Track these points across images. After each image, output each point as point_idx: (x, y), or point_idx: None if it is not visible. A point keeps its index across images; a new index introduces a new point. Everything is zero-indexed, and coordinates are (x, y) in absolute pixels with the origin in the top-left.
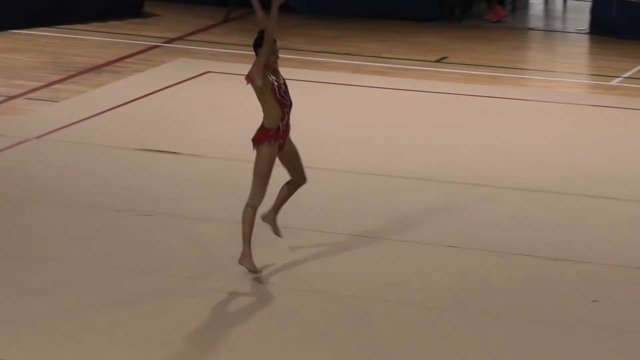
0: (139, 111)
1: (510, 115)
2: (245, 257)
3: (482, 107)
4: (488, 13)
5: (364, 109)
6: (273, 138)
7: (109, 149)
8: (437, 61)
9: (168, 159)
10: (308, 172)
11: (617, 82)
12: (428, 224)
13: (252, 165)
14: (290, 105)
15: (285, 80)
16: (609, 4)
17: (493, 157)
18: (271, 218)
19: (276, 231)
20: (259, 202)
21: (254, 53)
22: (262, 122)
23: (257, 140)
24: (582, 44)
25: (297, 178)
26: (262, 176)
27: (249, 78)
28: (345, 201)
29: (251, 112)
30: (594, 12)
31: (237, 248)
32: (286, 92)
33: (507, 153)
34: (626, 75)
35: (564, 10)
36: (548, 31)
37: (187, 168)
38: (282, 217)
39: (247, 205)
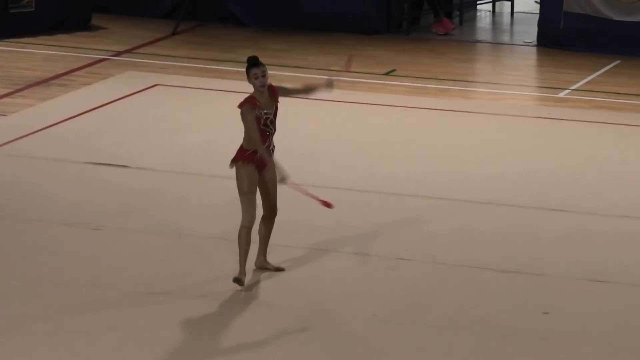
0: (87, 124)
1: (458, 127)
2: (240, 276)
3: (431, 119)
4: (436, 26)
5: (312, 122)
6: (247, 158)
7: (57, 162)
8: (386, 74)
9: (116, 172)
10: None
11: (565, 94)
12: (377, 237)
13: (200, 177)
14: (273, 132)
15: (277, 105)
16: (556, 16)
17: (442, 170)
18: (262, 261)
19: (276, 269)
20: (250, 221)
21: (201, 66)
22: (242, 143)
23: (234, 159)
24: (530, 56)
25: (267, 208)
26: (244, 194)
27: (241, 109)
28: (294, 214)
29: (199, 125)
30: (542, 25)
31: (187, 261)
32: (272, 121)
33: (455, 165)
34: (574, 87)
35: (512, 23)
36: (496, 44)
37: (135, 181)
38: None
39: (241, 226)
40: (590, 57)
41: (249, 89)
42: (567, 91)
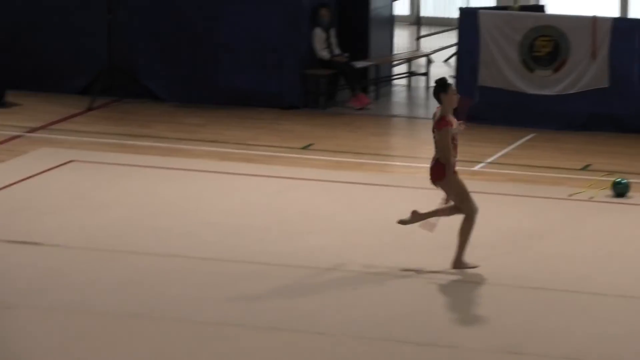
0: (1, 202)
1: (376, 201)
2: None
3: (349, 193)
4: (352, 101)
5: (230, 197)
6: (453, 171)
7: None
8: (303, 148)
9: (29, 250)
10: (175, 261)
11: (480, 168)
12: (293, 311)
13: (117, 255)
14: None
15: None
16: (471, 90)
17: (361, 243)
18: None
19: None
20: (470, 213)
21: (117, 141)
22: (438, 159)
23: (439, 177)
24: None
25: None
26: (464, 198)
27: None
28: (212, 288)
29: (114, 201)
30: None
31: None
32: (456, 134)
33: (374, 238)
34: (489, 160)
35: (427, 97)
36: (411, 118)
37: (49, 259)
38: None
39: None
40: (505, 131)
41: (167, 163)
42: (482, 164)
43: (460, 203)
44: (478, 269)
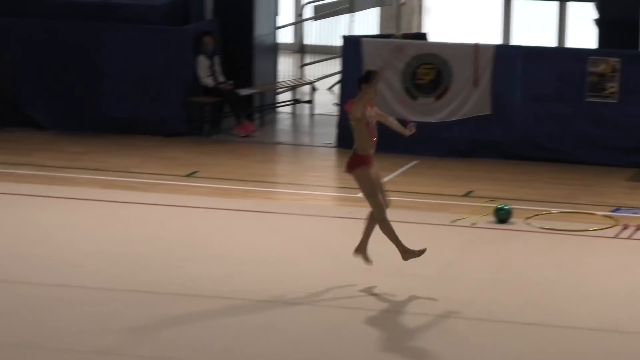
0: None
1: (261, 228)
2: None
3: (234, 220)
4: (237, 128)
5: (113, 225)
6: (366, 162)
7: None
8: (188, 176)
9: None
10: (55, 290)
11: None
12: (179, 339)
13: None
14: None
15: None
16: None
17: (245, 271)
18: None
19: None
20: (376, 211)
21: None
22: (355, 150)
23: (353, 166)
24: (329, 157)
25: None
26: (371, 196)
27: (350, 110)
28: (92, 318)
29: None
30: (341, 127)
31: None
32: (374, 125)
33: (259, 266)
34: None
35: (311, 125)
36: (296, 145)
37: None
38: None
39: (384, 219)
40: (389, 158)
41: (48, 191)
42: None
43: (367, 198)
44: (355, 292)
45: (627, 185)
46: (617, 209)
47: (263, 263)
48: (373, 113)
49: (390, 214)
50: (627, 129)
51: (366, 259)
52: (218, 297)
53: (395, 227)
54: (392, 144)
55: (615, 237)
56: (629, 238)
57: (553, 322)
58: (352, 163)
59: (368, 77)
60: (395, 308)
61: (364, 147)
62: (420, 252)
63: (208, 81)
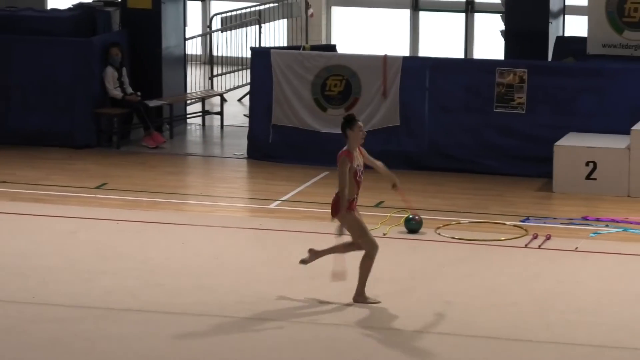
0: None
1: (172, 240)
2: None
3: (144, 232)
4: (146, 139)
5: (22, 238)
6: (352, 206)
7: None
8: (97, 187)
9: None
10: None
11: (276, 205)
12: (92, 353)
13: None
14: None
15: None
16: (265, 129)
17: (157, 283)
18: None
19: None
20: (373, 250)
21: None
22: (338, 193)
23: (338, 211)
24: (240, 168)
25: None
26: (362, 236)
27: (340, 161)
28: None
29: None
30: (252, 138)
31: None
32: (362, 172)
33: (171, 278)
34: (284, 198)
35: (222, 136)
36: (207, 156)
37: None
38: None
39: (371, 256)
40: (299, 169)
41: None
42: (277, 202)
43: (359, 239)
44: (266, 303)
45: (537, 195)
46: (527, 219)
47: (174, 275)
48: (361, 159)
49: (302, 225)
50: (535, 139)
51: (370, 301)
52: (130, 310)
53: (309, 238)
54: (302, 155)
55: (526, 246)
56: (539, 247)
57: (465, 332)
58: (336, 208)
59: (351, 122)
60: (302, 318)
61: (349, 192)
62: (373, 302)
63: (116, 93)
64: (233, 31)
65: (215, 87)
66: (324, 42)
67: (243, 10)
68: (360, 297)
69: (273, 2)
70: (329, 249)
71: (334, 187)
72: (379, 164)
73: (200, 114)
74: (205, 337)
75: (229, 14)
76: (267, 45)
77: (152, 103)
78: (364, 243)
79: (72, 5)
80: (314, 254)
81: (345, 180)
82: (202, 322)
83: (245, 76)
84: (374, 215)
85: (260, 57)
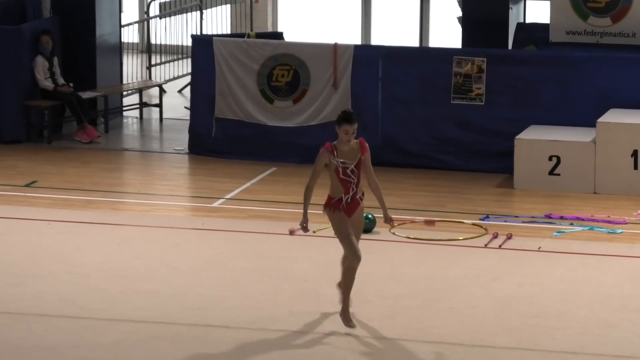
0: None
1: (108, 241)
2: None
3: (78, 233)
4: (79, 134)
5: None
6: (333, 206)
7: None
8: (27, 185)
9: None
10: None
11: (220, 204)
12: None
13: None
14: (356, 181)
15: (363, 158)
16: (208, 122)
17: (93, 287)
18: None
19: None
20: (352, 259)
21: None
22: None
23: (325, 206)
24: (181, 164)
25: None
26: (340, 238)
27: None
28: None
29: None
30: (193, 132)
31: None
32: (353, 170)
33: (107, 282)
34: (229, 196)
35: (161, 130)
36: (145, 152)
37: None
38: None
39: (349, 267)
40: (245, 165)
41: None
42: (221, 200)
43: (341, 242)
44: (220, 315)
45: (497, 192)
46: (487, 217)
47: (111, 279)
48: (357, 157)
49: (248, 225)
50: (495, 133)
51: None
52: (64, 316)
53: (254, 238)
54: (247, 150)
55: (485, 246)
56: (499, 247)
57: (420, 338)
58: (325, 203)
59: (339, 121)
60: (248, 324)
61: (333, 190)
62: (351, 326)
63: (47, 83)
64: (172, 17)
65: (153, 78)
66: (270, 29)
67: None
68: (344, 315)
69: None
70: (345, 291)
71: (282, 184)
72: (377, 193)
73: (138, 106)
74: (146, 345)
75: None
76: (209, 32)
77: (86, 95)
78: (345, 250)
79: None
80: (343, 309)
81: (313, 174)
82: (142, 329)
83: (185, 66)
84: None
85: (202, 45)
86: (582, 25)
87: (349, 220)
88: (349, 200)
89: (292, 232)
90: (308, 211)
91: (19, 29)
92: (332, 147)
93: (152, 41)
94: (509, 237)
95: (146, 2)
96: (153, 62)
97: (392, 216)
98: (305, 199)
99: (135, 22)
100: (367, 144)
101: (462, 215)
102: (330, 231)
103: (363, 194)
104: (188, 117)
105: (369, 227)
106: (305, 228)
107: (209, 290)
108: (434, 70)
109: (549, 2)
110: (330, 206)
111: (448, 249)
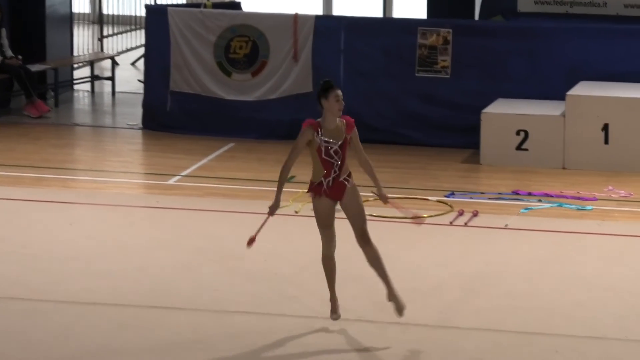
0: None
1: (58, 219)
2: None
3: (27, 212)
4: (28, 108)
5: None
6: (315, 191)
7: None
8: None
9: None
10: None
11: (175, 181)
12: None
13: None
14: (339, 163)
15: (349, 137)
16: (162, 96)
17: (41, 269)
18: (388, 294)
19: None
20: (327, 249)
21: None
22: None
23: (308, 189)
24: (135, 140)
25: (356, 236)
26: (319, 227)
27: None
28: None
29: None
30: (147, 106)
31: None
32: (337, 151)
33: (57, 263)
34: (184, 173)
35: (114, 104)
36: (97, 127)
37: None
38: None
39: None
40: (201, 140)
41: None
42: (177, 178)
43: (318, 229)
44: (173, 297)
45: (462, 168)
46: (452, 194)
47: (60, 260)
48: (342, 136)
49: (205, 203)
50: (461, 107)
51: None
52: (13, 298)
53: (211, 217)
54: (204, 125)
55: (451, 224)
56: (465, 225)
57: (383, 319)
58: (308, 187)
59: (326, 91)
60: (204, 305)
61: (314, 173)
62: (335, 317)
63: None
64: None
65: (105, 50)
66: None
67: None
68: (334, 306)
69: None
70: (385, 280)
71: (241, 160)
72: (369, 170)
73: (89, 79)
74: (97, 327)
75: None
76: (164, 2)
77: (35, 67)
78: (321, 237)
79: None
80: (393, 299)
81: (292, 152)
82: (93, 311)
83: (139, 37)
84: (285, 192)
85: (156, 15)
86: None
87: (334, 206)
88: (329, 183)
89: (250, 242)
90: (282, 192)
91: None
92: (317, 123)
93: (104, 11)
94: (475, 214)
95: None
96: (105, 33)
97: (389, 195)
98: (280, 178)
99: None
100: (353, 121)
101: (427, 192)
102: (288, 209)
103: (350, 175)
104: (142, 91)
105: None
106: (272, 212)
107: (164, 271)
108: (398, 41)
109: None
110: (312, 191)
111: (411, 227)
